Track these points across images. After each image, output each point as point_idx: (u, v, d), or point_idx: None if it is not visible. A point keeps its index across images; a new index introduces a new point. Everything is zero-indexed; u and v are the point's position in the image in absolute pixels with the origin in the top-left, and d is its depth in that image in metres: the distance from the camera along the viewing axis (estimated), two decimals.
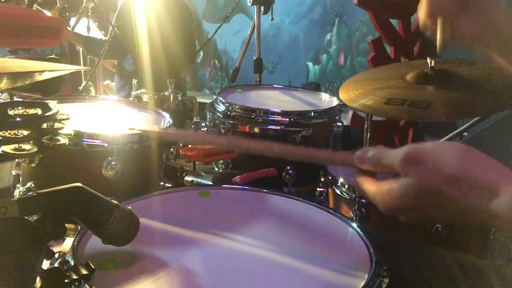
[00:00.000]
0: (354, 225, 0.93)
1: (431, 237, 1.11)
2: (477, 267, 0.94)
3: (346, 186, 1.23)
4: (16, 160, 1.25)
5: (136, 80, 1.74)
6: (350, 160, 0.70)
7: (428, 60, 1.40)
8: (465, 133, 2.56)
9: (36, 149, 0.69)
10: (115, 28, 2.36)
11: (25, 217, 0.65)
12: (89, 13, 2.77)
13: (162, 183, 1.27)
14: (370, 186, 0.67)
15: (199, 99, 1.82)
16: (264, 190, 1.10)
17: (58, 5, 2.45)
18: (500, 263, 1.26)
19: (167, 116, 1.43)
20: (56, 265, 0.72)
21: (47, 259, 0.70)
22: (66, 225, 0.70)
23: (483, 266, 0.95)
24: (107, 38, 2.39)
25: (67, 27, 2.62)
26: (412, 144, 0.64)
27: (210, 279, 0.76)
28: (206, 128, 1.57)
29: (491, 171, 0.59)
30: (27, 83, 0.82)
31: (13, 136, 0.67)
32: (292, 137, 1.44)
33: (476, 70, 1.42)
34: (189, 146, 1.46)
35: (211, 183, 1.37)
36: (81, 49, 2.88)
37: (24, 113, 0.71)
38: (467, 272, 0.89)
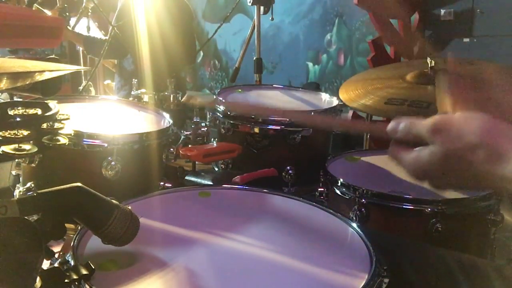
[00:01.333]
0: (354, 225, 0.93)
1: (431, 237, 1.11)
2: (477, 267, 0.94)
3: (346, 186, 1.23)
4: (16, 160, 1.25)
5: (136, 80, 1.74)
6: (384, 130, 0.75)
7: (428, 60, 1.40)
8: None
9: (36, 149, 0.69)
10: (115, 28, 2.36)
11: (25, 217, 0.65)
12: (89, 13, 2.77)
13: (162, 183, 1.27)
14: (402, 154, 0.72)
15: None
16: (264, 190, 1.10)
17: (58, 5, 2.45)
18: (500, 263, 1.26)
19: (167, 116, 1.42)
20: (56, 265, 0.72)
21: (47, 259, 0.70)
22: (66, 225, 0.70)
23: (483, 266, 0.95)
24: (107, 38, 2.39)
25: (67, 27, 2.62)
26: (439, 114, 0.70)
27: (210, 279, 0.76)
28: (206, 128, 1.57)
29: (506, 140, 0.63)
30: (27, 83, 0.82)
31: (13, 136, 0.67)
32: (292, 137, 1.44)
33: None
34: (189, 146, 1.46)
35: (211, 183, 1.37)
36: (81, 49, 2.88)
37: (24, 113, 0.71)
38: (467, 272, 0.89)
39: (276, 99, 1.77)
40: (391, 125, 0.74)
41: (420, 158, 0.68)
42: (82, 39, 2.66)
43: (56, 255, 0.75)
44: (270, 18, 2.44)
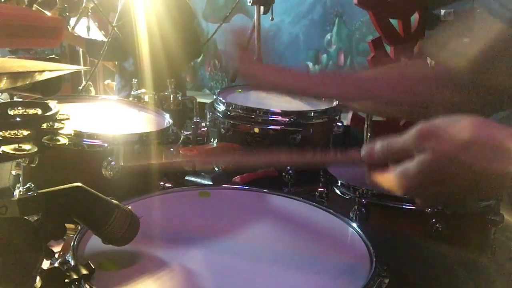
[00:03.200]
0: (354, 225, 0.93)
1: (431, 237, 1.11)
2: (479, 264, 0.94)
3: (346, 186, 1.23)
4: (16, 160, 1.25)
5: (136, 80, 1.74)
6: (357, 157, 0.69)
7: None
8: None
9: (36, 149, 0.69)
10: (115, 29, 2.36)
11: (25, 217, 0.65)
12: (89, 13, 2.77)
13: (162, 183, 1.27)
14: (384, 175, 0.67)
15: (199, 99, 1.82)
16: (264, 190, 1.10)
17: (57, 5, 2.44)
18: (501, 261, 1.26)
19: (167, 116, 1.43)
20: (56, 265, 0.72)
21: (47, 259, 0.70)
22: (66, 225, 0.70)
23: (485, 263, 0.95)
24: (107, 39, 2.39)
25: (70, 30, 2.62)
26: (421, 122, 0.64)
27: (210, 279, 0.76)
28: (206, 128, 1.58)
29: (504, 134, 0.59)
30: (27, 83, 0.82)
31: (13, 136, 0.67)
32: (292, 137, 1.44)
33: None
34: (189, 146, 1.46)
35: (211, 183, 1.37)
36: (81, 49, 2.87)
37: (24, 113, 0.71)
38: (469, 269, 0.89)
39: (276, 99, 1.77)
40: (365, 151, 0.68)
41: (408, 171, 0.63)
42: (83, 42, 2.66)
43: (56, 255, 0.75)
44: (270, 18, 2.44)
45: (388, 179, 0.66)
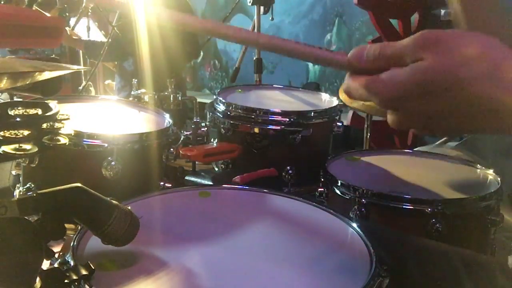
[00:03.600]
0: (354, 225, 0.93)
1: (431, 238, 1.11)
2: (480, 262, 0.94)
3: (346, 186, 1.23)
4: (16, 160, 1.25)
5: (136, 80, 1.74)
6: (343, 60, 0.62)
7: None
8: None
9: (36, 149, 0.69)
10: (115, 28, 2.36)
11: (25, 217, 0.65)
12: (89, 13, 2.78)
13: (162, 183, 1.27)
14: (367, 81, 0.58)
15: (199, 99, 1.82)
16: (264, 190, 1.10)
17: (57, 5, 2.45)
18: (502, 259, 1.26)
19: (167, 116, 1.43)
20: (56, 265, 0.72)
21: (47, 259, 0.70)
22: (66, 225, 0.70)
23: (486, 261, 0.95)
24: (107, 40, 2.39)
25: (70, 30, 2.62)
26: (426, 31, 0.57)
27: (210, 279, 0.76)
28: (206, 128, 1.58)
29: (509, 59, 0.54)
30: (27, 83, 0.82)
31: (13, 136, 0.67)
32: (292, 137, 1.44)
33: None
34: (189, 146, 1.46)
35: (211, 183, 1.36)
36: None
37: (24, 113, 0.71)
38: (470, 267, 0.89)
39: (276, 99, 1.77)
40: (354, 53, 0.60)
41: (398, 75, 0.55)
42: (82, 43, 2.66)
43: (56, 255, 0.75)
44: (270, 18, 2.44)
45: (371, 86, 0.58)
